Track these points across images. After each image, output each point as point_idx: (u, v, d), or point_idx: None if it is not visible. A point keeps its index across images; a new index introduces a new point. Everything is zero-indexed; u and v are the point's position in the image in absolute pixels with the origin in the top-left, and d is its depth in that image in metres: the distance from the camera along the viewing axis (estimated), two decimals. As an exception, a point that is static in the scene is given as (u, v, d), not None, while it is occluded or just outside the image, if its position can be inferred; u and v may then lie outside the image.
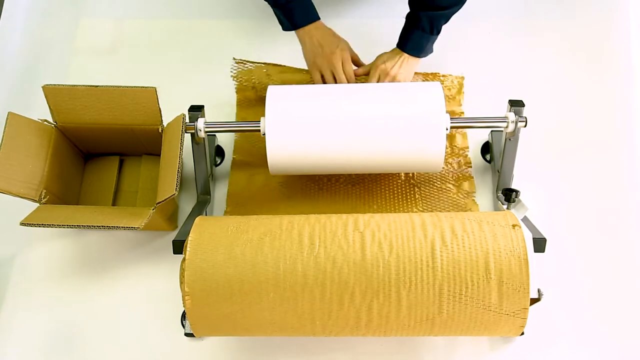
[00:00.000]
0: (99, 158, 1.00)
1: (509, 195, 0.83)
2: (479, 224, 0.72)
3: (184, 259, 0.72)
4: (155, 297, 0.90)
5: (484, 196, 0.96)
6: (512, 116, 0.87)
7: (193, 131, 0.87)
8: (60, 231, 0.95)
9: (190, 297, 0.71)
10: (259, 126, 0.86)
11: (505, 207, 0.86)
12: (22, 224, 0.80)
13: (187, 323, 0.87)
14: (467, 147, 0.99)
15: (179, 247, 0.76)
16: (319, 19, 0.97)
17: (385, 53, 0.97)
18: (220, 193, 0.98)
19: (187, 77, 1.08)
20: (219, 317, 0.73)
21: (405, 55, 0.95)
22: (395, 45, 0.97)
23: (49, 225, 0.80)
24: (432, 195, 0.95)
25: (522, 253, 0.69)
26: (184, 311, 0.87)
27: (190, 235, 0.73)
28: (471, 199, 0.95)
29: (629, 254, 0.91)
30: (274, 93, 0.86)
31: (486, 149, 1.00)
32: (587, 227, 0.93)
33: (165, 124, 0.89)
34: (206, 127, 0.87)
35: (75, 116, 0.89)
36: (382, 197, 0.96)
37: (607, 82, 1.05)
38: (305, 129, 0.84)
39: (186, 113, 0.87)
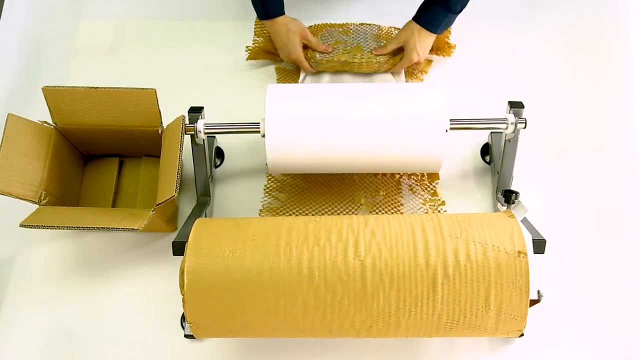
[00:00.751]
0: (99, 159, 1.00)
1: (508, 197, 0.83)
2: (484, 249, 0.70)
3: (182, 286, 0.71)
4: (155, 299, 0.90)
5: (483, 198, 0.96)
6: (511, 117, 0.87)
7: (193, 132, 0.87)
8: (60, 232, 0.95)
9: (194, 325, 0.72)
10: (259, 127, 0.86)
11: (504, 208, 0.86)
12: (21, 225, 0.80)
13: (186, 324, 0.87)
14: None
15: (178, 248, 0.76)
16: (276, 16, 1.00)
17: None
18: (220, 194, 0.98)
19: (187, 78, 1.08)
20: (221, 333, 0.75)
21: (419, 28, 0.98)
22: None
23: (48, 227, 0.80)
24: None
25: (523, 285, 0.69)
26: (183, 313, 0.87)
27: (186, 263, 0.72)
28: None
29: (628, 254, 0.91)
30: (273, 93, 0.86)
31: (486, 150, 1.00)
32: (587, 228, 0.93)
33: (165, 125, 0.89)
34: (206, 129, 0.87)
35: (75, 117, 0.89)
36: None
37: (606, 83, 1.04)
38: (304, 129, 0.84)
39: (186, 114, 0.87)
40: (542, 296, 0.72)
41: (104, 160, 1.00)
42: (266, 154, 0.84)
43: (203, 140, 0.89)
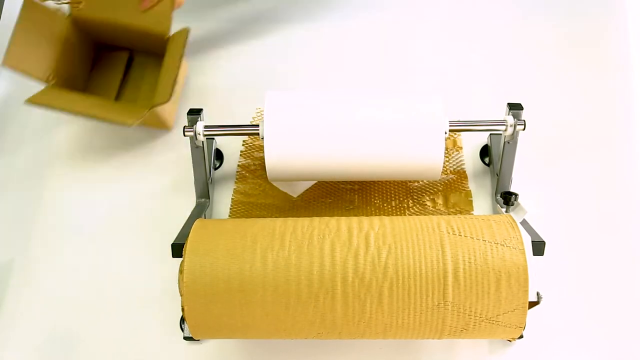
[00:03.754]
0: (110, 51, 1.04)
1: (507, 199, 0.83)
2: (483, 253, 0.70)
3: (181, 288, 0.71)
4: (154, 301, 0.90)
5: (482, 200, 0.96)
6: (510, 120, 0.86)
7: (192, 134, 0.87)
8: (58, 236, 0.95)
9: (193, 326, 0.72)
10: (258, 129, 0.86)
11: (504, 210, 0.86)
12: (27, 102, 0.85)
13: (185, 327, 0.87)
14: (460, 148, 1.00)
15: (177, 250, 0.76)
16: None
17: None
18: (218, 197, 0.98)
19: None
20: (220, 334, 0.74)
21: None
22: None
23: (51, 108, 0.85)
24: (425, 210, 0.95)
25: (522, 287, 0.69)
26: (182, 314, 0.87)
27: (185, 264, 0.71)
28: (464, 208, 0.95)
29: (628, 256, 0.91)
30: (273, 96, 0.86)
31: (485, 152, 1.00)
32: (587, 229, 0.93)
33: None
34: (205, 131, 0.87)
35: (91, 9, 0.94)
36: (378, 202, 0.96)
37: (606, 84, 1.05)
38: (304, 133, 0.83)
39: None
40: (541, 298, 0.72)
41: (114, 52, 1.03)
42: (265, 157, 0.84)
43: (202, 142, 0.89)
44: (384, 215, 0.94)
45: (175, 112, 1.02)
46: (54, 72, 0.91)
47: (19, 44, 0.87)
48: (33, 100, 0.87)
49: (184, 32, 0.91)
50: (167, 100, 0.86)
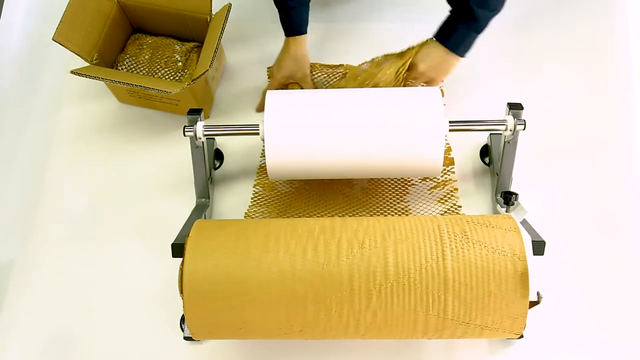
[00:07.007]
0: (146, 35, 1.09)
1: (508, 198, 0.83)
2: (484, 252, 0.71)
3: (181, 288, 0.71)
4: (155, 300, 0.89)
5: (482, 200, 0.96)
6: (510, 119, 0.86)
7: (192, 135, 0.87)
8: (58, 236, 0.95)
9: (193, 326, 0.72)
10: (258, 130, 0.86)
11: (504, 210, 0.86)
12: (72, 72, 0.89)
13: (186, 327, 0.87)
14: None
15: (178, 250, 0.76)
16: (305, 33, 0.98)
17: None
18: (219, 196, 0.98)
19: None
20: (220, 335, 0.74)
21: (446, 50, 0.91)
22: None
23: (97, 78, 0.90)
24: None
25: (523, 287, 0.70)
26: (183, 315, 0.87)
27: (185, 264, 0.72)
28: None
29: (628, 256, 0.91)
30: (272, 98, 0.86)
31: (485, 151, 1.00)
32: (587, 229, 0.93)
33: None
34: (205, 131, 0.87)
35: None
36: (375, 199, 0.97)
37: (605, 85, 1.05)
38: (304, 134, 0.84)
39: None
40: (541, 298, 0.72)
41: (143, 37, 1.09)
42: (266, 158, 0.84)
43: (202, 142, 0.89)
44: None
45: (212, 101, 1.05)
46: (97, 53, 0.97)
47: (68, 22, 0.93)
48: (80, 71, 0.90)
49: (225, 8, 0.95)
50: (208, 68, 0.88)
